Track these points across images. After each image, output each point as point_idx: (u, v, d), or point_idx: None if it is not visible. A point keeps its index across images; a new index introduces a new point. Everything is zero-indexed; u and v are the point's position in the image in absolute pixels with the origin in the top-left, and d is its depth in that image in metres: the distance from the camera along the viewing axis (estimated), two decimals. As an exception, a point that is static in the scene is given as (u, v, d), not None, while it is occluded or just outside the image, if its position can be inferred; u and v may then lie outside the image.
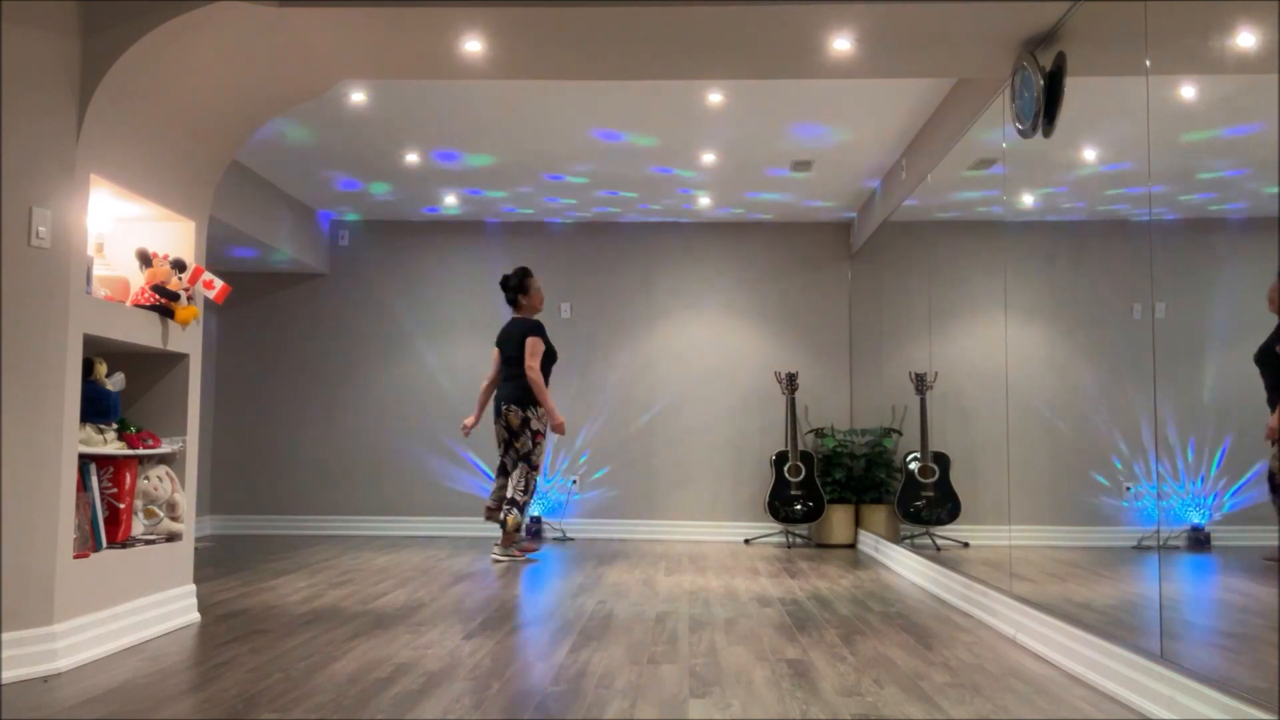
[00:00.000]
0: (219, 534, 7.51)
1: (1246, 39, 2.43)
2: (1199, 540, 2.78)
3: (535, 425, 5.94)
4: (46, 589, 3.10)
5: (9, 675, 2.96)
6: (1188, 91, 2.76)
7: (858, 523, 7.16)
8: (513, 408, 5.91)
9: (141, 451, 3.67)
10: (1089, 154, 3.47)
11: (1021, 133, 3.70)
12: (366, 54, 3.79)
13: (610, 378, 7.70)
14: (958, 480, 5.26)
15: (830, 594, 4.79)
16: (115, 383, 3.58)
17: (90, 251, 3.45)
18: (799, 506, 7.04)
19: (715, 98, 5.03)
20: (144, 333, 3.64)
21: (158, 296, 3.71)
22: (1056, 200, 3.80)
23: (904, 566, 5.62)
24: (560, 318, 7.70)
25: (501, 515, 5.95)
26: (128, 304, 3.67)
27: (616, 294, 7.70)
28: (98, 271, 3.64)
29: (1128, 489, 3.11)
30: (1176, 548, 2.83)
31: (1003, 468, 4.07)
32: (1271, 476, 2.39)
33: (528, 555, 6.07)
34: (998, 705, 2.75)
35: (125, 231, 3.93)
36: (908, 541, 5.80)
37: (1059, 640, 3.28)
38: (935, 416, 5.48)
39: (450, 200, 7.19)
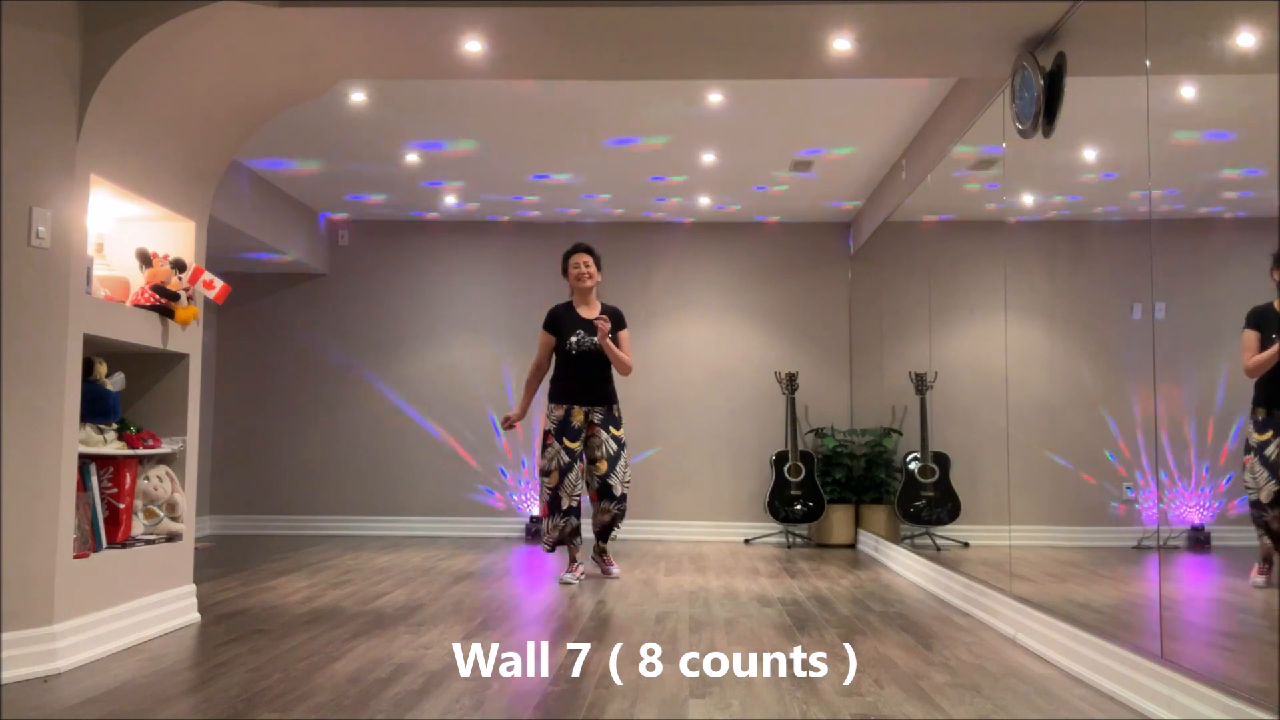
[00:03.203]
0: (219, 534, 7.51)
1: (1246, 39, 2.43)
2: (1199, 540, 2.78)
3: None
4: (46, 589, 3.10)
5: (9, 675, 2.95)
6: (1188, 91, 2.76)
7: (858, 523, 7.16)
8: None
9: (141, 451, 3.67)
10: (1089, 154, 3.47)
11: (1021, 133, 3.70)
12: (366, 54, 3.79)
13: (610, 378, 7.70)
14: (958, 480, 5.26)
15: (830, 594, 4.79)
16: (115, 383, 3.58)
17: (90, 251, 3.44)
18: (799, 506, 7.04)
19: (715, 98, 5.03)
20: (144, 333, 3.64)
21: (158, 296, 3.71)
22: (1056, 200, 3.80)
23: (904, 566, 5.61)
24: (560, 318, 7.70)
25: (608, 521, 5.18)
26: (128, 304, 3.67)
27: (616, 294, 7.68)
28: (98, 271, 3.64)
29: (1128, 489, 3.11)
30: (1176, 548, 2.83)
31: (1003, 468, 4.07)
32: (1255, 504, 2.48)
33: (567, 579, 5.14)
34: (998, 705, 2.75)
35: (125, 231, 3.92)
36: (908, 541, 5.80)
37: (1059, 640, 3.28)
38: (935, 416, 5.48)
39: (450, 200, 7.19)
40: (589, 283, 5.24)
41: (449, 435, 7.70)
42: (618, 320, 5.24)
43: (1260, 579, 2.52)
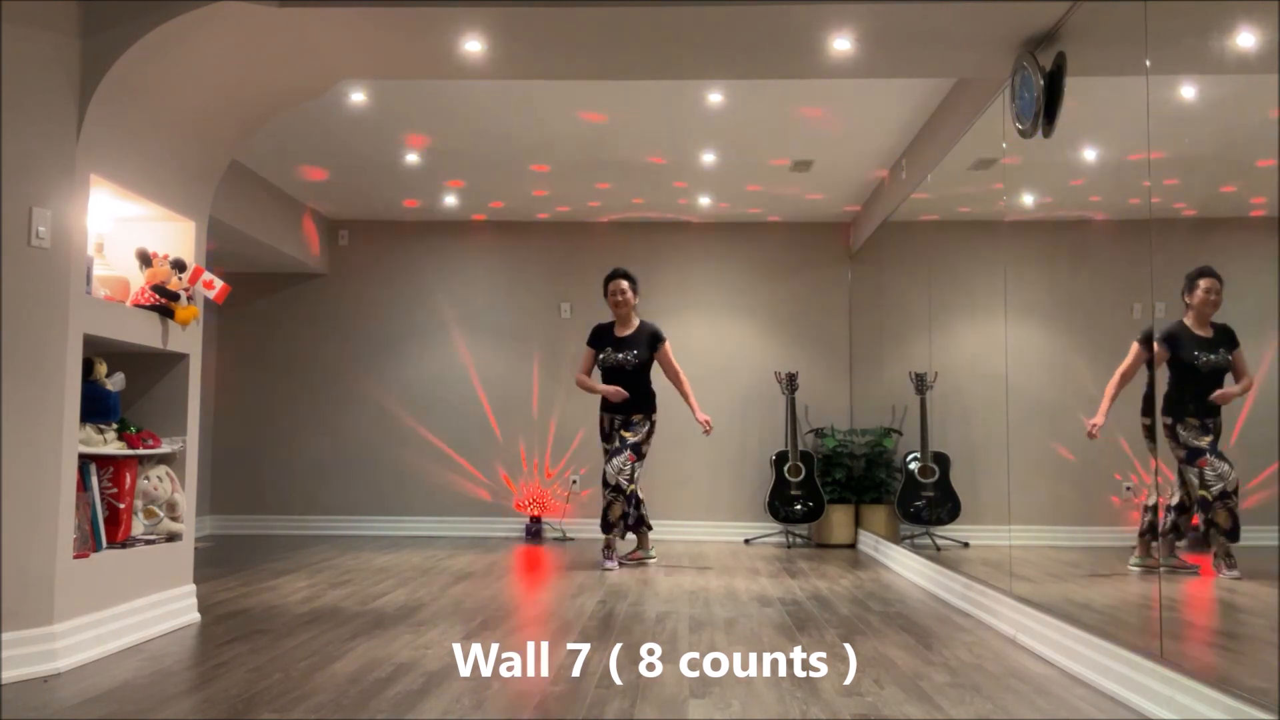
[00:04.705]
0: (219, 534, 7.51)
1: (1246, 39, 2.43)
2: (1199, 540, 2.78)
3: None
4: (46, 589, 3.10)
5: (9, 675, 2.95)
6: (1188, 91, 2.76)
7: (858, 523, 7.16)
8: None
9: (141, 451, 3.67)
10: (1089, 154, 3.47)
11: (1021, 133, 3.70)
12: (366, 54, 3.79)
13: (610, 378, 7.68)
14: (958, 480, 5.26)
15: (830, 594, 4.79)
16: (115, 383, 3.58)
17: (90, 251, 3.44)
18: (799, 506, 7.04)
19: (715, 97, 5.03)
20: (144, 333, 3.64)
21: (158, 296, 3.71)
22: (1056, 200, 3.80)
23: (904, 566, 5.62)
24: (561, 318, 7.71)
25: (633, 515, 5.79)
26: (128, 304, 3.67)
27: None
28: (98, 271, 3.64)
29: (1128, 489, 3.11)
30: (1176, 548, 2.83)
31: (1003, 468, 4.08)
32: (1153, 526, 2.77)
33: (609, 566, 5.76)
34: (998, 705, 2.75)
35: (125, 231, 3.92)
36: (908, 541, 5.80)
37: (1059, 640, 3.28)
38: (935, 416, 5.48)
39: (450, 200, 7.19)
40: (625, 309, 5.82)
41: (449, 435, 7.70)
42: (654, 339, 5.83)
43: (1234, 573, 2.65)
